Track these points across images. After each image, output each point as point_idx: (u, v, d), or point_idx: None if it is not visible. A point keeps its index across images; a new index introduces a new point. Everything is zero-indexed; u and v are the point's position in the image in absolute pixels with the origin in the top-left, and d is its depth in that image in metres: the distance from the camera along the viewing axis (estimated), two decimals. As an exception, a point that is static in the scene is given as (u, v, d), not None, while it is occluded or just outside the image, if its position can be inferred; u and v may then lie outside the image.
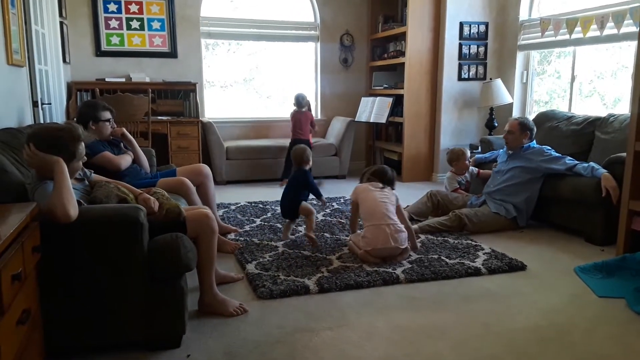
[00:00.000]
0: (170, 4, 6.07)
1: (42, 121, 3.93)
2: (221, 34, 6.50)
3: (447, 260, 3.25)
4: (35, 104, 3.85)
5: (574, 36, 4.89)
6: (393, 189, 3.49)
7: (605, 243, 3.61)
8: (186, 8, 6.16)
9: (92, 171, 2.53)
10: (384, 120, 5.99)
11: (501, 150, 4.44)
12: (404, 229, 3.29)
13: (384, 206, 3.29)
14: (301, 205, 3.61)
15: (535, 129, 4.17)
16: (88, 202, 2.22)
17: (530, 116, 5.68)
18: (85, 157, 2.25)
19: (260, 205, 4.70)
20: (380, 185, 3.43)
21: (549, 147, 4.09)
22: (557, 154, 3.98)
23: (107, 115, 3.31)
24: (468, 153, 4.58)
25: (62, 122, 4.84)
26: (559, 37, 5.08)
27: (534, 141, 4.16)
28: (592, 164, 3.74)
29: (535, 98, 5.89)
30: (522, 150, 4.09)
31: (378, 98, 6.21)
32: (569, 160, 3.87)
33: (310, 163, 3.77)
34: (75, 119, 3.77)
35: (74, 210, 1.90)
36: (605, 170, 3.59)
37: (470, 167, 4.60)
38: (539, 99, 5.87)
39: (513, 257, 3.31)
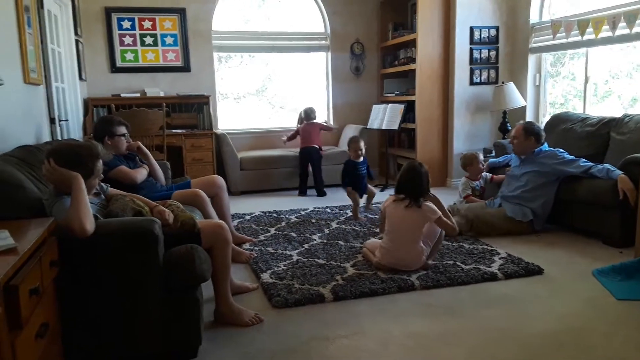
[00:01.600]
0: (182, 20, 6.17)
1: (59, 138, 4.01)
2: (233, 46, 6.58)
3: (463, 265, 3.24)
4: (52, 120, 3.93)
5: (585, 37, 4.86)
6: (425, 199, 3.13)
7: (623, 245, 3.55)
8: (198, 22, 6.25)
9: (109, 185, 2.58)
10: (396, 127, 5.99)
11: (508, 155, 4.41)
12: (421, 252, 3.13)
13: (405, 227, 3.12)
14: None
15: (543, 133, 4.10)
16: (104, 216, 2.26)
17: (545, 118, 5.64)
18: (102, 175, 2.30)
19: (275, 215, 4.73)
20: (407, 202, 3.12)
21: (562, 150, 4.04)
22: (571, 157, 3.94)
23: (122, 130, 3.37)
24: (481, 157, 4.55)
25: (80, 138, 4.94)
26: (571, 39, 5.05)
27: (546, 144, 4.12)
28: (607, 165, 3.69)
29: (550, 100, 5.84)
30: (534, 155, 4.05)
31: (390, 105, 6.22)
32: (583, 163, 3.83)
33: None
34: (92, 135, 3.84)
35: (90, 225, 1.94)
36: (621, 172, 3.55)
37: (484, 172, 4.58)
38: (555, 101, 5.82)
39: (530, 261, 3.28)
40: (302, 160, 5.85)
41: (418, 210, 3.10)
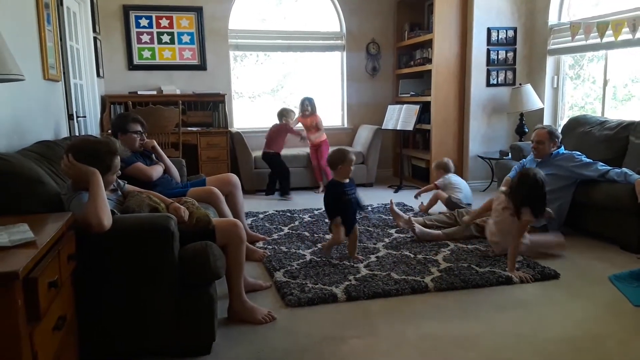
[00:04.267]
0: (199, 18, 6.20)
1: (77, 134, 4.06)
2: (249, 45, 6.60)
3: (478, 268, 3.21)
4: (70, 117, 3.98)
5: (605, 40, 4.79)
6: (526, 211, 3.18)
7: (642, 251, 3.50)
8: (215, 21, 6.28)
9: (126, 182, 2.60)
10: (411, 128, 5.96)
11: (525, 159, 4.35)
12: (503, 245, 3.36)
13: (493, 223, 3.47)
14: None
15: (561, 136, 4.09)
16: (121, 212, 2.28)
17: (562, 121, 5.58)
18: (119, 171, 2.32)
19: (288, 214, 4.73)
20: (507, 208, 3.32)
21: (579, 153, 4.00)
22: (588, 160, 3.90)
23: (135, 127, 3.38)
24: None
25: (97, 134, 4.99)
26: (590, 41, 4.98)
27: (562, 147, 4.08)
28: (625, 169, 3.64)
29: (572, 102, 5.76)
30: (551, 157, 4.01)
31: (405, 106, 6.19)
32: (601, 166, 3.78)
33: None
34: (109, 131, 3.88)
35: (107, 220, 1.95)
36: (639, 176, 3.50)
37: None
38: (575, 104, 5.75)
39: (545, 265, 3.24)
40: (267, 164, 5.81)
41: (511, 218, 3.27)
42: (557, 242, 3.58)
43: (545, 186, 3.29)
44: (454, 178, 4.81)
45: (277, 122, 5.88)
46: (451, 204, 4.51)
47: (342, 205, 3.32)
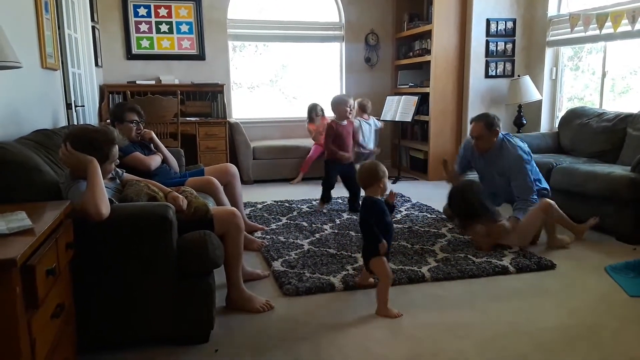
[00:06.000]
0: (198, 8, 6.17)
1: (75, 123, 4.05)
2: (248, 35, 6.58)
3: (474, 258, 3.22)
4: (69, 106, 3.97)
5: (604, 31, 4.78)
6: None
7: (637, 242, 3.52)
8: (213, 11, 6.25)
9: (124, 171, 2.60)
10: (409, 119, 5.96)
11: (463, 150, 3.97)
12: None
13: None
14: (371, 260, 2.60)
15: (499, 121, 3.66)
16: (119, 201, 2.29)
17: (560, 113, 5.58)
18: (118, 160, 2.32)
19: (287, 204, 4.74)
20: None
21: (528, 154, 3.59)
22: (527, 167, 3.52)
23: (132, 117, 3.38)
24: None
25: (95, 124, 4.98)
26: (589, 33, 4.97)
27: (501, 134, 3.67)
28: (530, 207, 3.43)
29: (572, 94, 5.75)
30: (496, 149, 3.64)
31: (403, 97, 6.19)
32: (528, 182, 3.50)
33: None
34: (108, 121, 3.88)
35: (106, 209, 1.96)
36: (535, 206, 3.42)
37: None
38: (575, 95, 5.73)
39: (542, 255, 3.26)
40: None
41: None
42: (541, 207, 3.39)
43: (478, 196, 3.32)
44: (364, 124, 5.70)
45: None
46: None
47: (382, 228, 2.59)
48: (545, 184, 3.74)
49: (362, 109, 5.89)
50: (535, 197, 3.52)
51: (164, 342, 2.22)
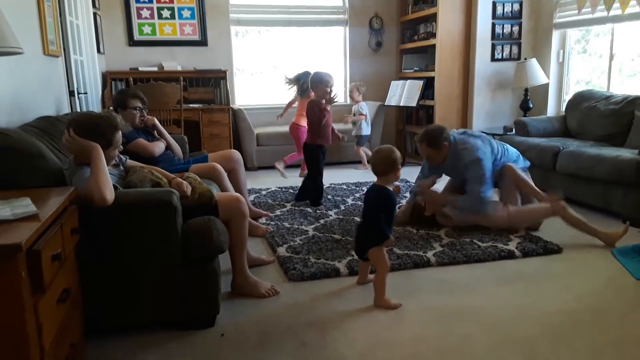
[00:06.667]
0: (199, -8, 6.12)
1: (78, 110, 4.04)
2: (250, 20, 6.52)
3: (480, 243, 3.21)
4: (71, 93, 3.95)
5: (612, 13, 4.71)
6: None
7: (645, 225, 3.49)
8: (215, -5, 6.20)
9: (128, 157, 2.60)
10: (414, 104, 5.91)
11: (424, 168, 3.82)
12: None
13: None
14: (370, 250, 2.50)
15: (445, 132, 3.43)
16: (123, 187, 2.29)
17: (567, 96, 5.52)
18: (121, 146, 2.31)
19: (291, 191, 4.73)
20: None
21: (479, 147, 3.40)
22: (480, 172, 3.33)
23: (134, 103, 3.36)
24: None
25: (98, 110, 4.97)
26: (597, 14, 4.90)
27: (452, 137, 3.49)
28: (484, 197, 3.32)
29: (578, 77, 5.69)
30: (451, 158, 3.48)
31: (408, 81, 6.14)
32: (475, 182, 3.35)
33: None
34: (111, 107, 3.86)
35: (110, 195, 1.95)
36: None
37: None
38: (582, 78, 5.67)
39: (548, 239, 3.25)
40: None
41: None
42: (553, 208, 3.31)
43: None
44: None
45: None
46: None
47: (390, 221, 2.50)
48: (522, 163, 3.61)
49: (358, 92, 6.13)
50: (490, 193, 3.36)
51: (171, 326, 2.23)
